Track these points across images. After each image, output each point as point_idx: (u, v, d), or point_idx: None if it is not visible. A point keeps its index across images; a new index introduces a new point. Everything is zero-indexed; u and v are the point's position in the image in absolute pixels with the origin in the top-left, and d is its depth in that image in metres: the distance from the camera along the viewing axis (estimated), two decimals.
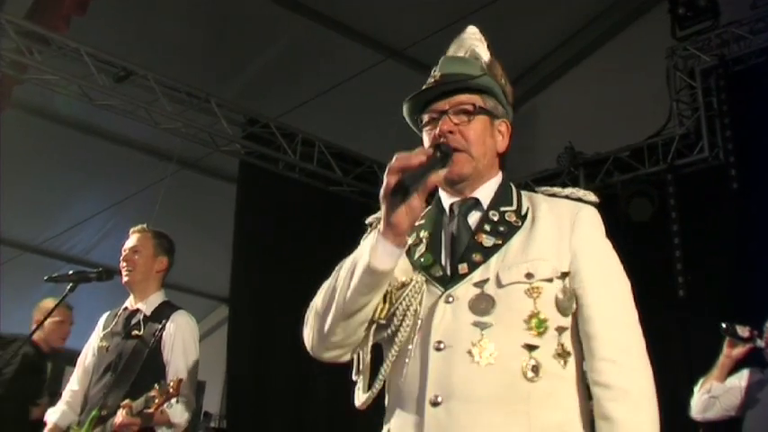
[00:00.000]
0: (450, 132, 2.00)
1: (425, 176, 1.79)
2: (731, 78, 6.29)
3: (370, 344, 1.98)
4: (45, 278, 3.96)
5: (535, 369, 1.81)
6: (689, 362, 5.78)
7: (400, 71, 7.01)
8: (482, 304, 1.87)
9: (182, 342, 3.98)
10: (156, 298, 4.10)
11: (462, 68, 2.07)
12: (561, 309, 1.89)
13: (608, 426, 1.82)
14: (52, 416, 4.04)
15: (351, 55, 7.09)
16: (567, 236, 1.95)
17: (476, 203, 2.04)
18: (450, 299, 1.89)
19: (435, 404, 1.81)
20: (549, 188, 2.12)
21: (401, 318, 1.91)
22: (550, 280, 1.89)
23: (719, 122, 6.29)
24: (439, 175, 1.84)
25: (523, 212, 2.00)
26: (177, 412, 3.79)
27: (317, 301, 1.99)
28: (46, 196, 7.64)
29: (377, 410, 2.01)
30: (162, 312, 4.05)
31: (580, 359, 1.91)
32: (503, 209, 2.01)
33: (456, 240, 1.99)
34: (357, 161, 7.50)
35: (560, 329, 1.88)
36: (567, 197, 2.06)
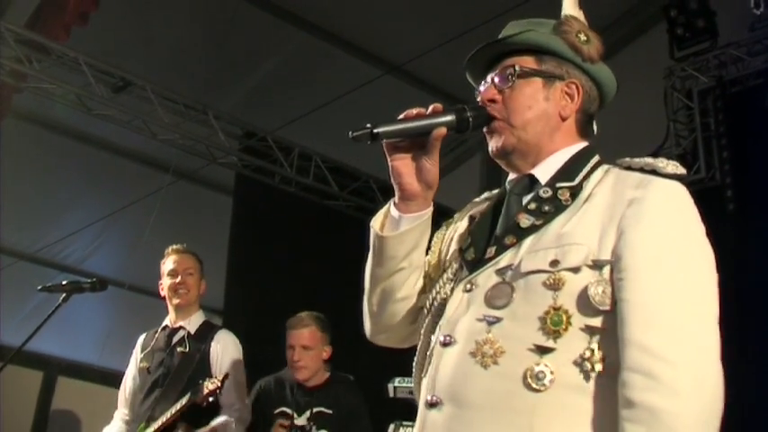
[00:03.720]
0: (492, 101, 1.77)
1: (428, 128, 1.68)
2: (728, 99, 6.30)
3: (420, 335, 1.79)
4: (39, 288, 3.96)
5: (541, 376, 1.50)
6: None
7: (399, 86, 7.02)
8: (499, 295, 1.59)
9: (230, 359, 4.08)
10: (199, 317, 4.21)
11: (516, 30, 1.82)
12: (591, 305, 1.53)
13: None
14: None
15: (349, 69, 7.09)
16: (619, 214, 1.58)
17: (532, 181, 1.76)
18: (471, 286, 1.65)
19: (432, 405, 1.59)
20: (628, 159, 1.79)
21: (430, 307, 1.74)
22: (577, 270, 1.54)
23: (716, 143, 6.29)
24: (441, 131, 1.68)
25: (580, 189, 1.68)
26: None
27: None
28: (42, 205, 7.62)
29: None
30: (206, 330, 4.15)
31: (616, 371, 1.50)
32: (559, 185, 1.70)
33: (503, 222, 1.73)
34: (354, 176, 7.50)
35: (590, 330, 1.53)
36: (641, 169, 1.72)
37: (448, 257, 1.81)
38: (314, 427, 4.04)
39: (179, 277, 4.15)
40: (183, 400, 3.78)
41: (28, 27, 5.99)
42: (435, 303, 1.73)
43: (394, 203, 1.76)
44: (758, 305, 5.40)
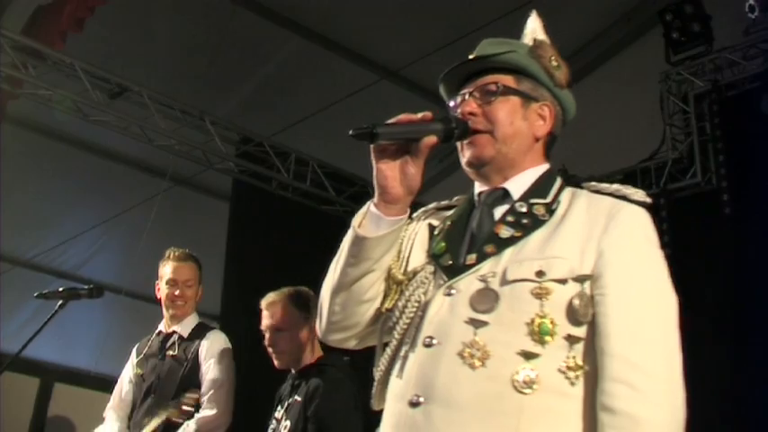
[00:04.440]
0: (472, 114, 1.85)
1: (420, 134, 1.73)
2: (724, 103, 6.31)
3: (382, 338, 1.86)
4: (35, 295, 3.95)
5: (529, 380, 1.59)
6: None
7: (395, 92, 7.03)
8: (484, 300, 1.67)
9: (216, 357, 4.04)
10: (192, 320, 4.17)
11: (496, 48, 1.90)
12: (574, 316, 1.64)
13: None
14: None
15: (346, 75, 7.10)
16: (597, 235, 1.71)
17: (505, 195, 1.85)
18: (452, 291, 1.72)
19: (414, 405, 1.64)
20: (595, 183, 1.88)
21: (402, 309, 1.78)
22: (564, 281, 1.66)
23: (712, 147, 6.30)
24: (432, 138, 1.74)
25: (554, 206, 1.79)
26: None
27: (326, 279, 1.92)
28: (38, 211, 7.61)
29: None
30: (198, 333, 4.12)
31: (594, 378, 1.64)
32: (533, 201, 1.80)
33: (476, 231, 1.82)
34: (350, 181, 7.50)
35: (572, 339, 1.65)
36: (611, 194, 1.81)
37: (416, 263, 1.86)
38: (284, 418, 3.62)
39: (178, 290, 4.14)
40: (163, 416, 3.76)
41: (24, 33, 5.99)
42: (409, 305, 1.77)
43: (374, 204, 1.81)
44: (755, 309, 5.41)
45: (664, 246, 5.81)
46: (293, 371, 3.77)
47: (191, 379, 3.99)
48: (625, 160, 6.77)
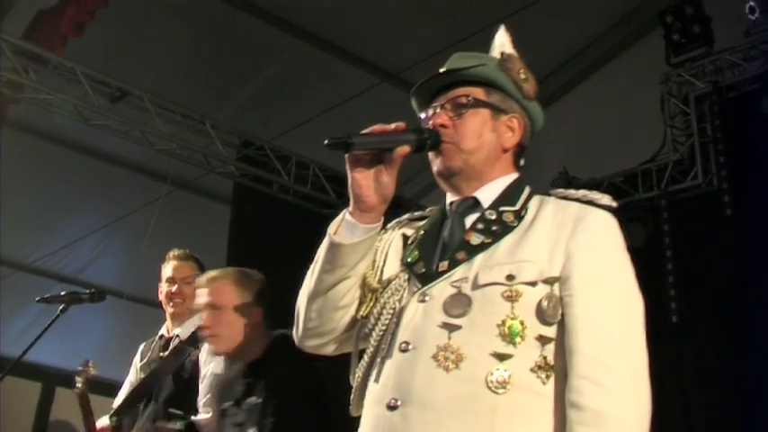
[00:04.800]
0: (443, 126, 1.91)
1: (394, 144, 1.78)
2: (725, 105, 6.32)
3: (358, 344, 1.92)
4: (37, 299, 3.95)
5: (503, 381, 1.65)
6: (682, 390, 5.76)
7: (396, 95, 7.02)
8: (457, 305, 1.73)
9: (213, 364, 4.00)
10: (193, 323, 4.12)
11: (467, 62, 1.96)
12: (544, 317, 1.71)
13: None
14: None
15: (346, 78, 7.11)
16: (565, 239, 1.77)
17: (475, 204, 1.91)
18: (426, 297, 1.78)
19: (392, 408, 1.69)
20: (562, 190, 1.95)
21: (377, 316, 1.83)
22: (534, 284, 1.72)
23: (713, 149, 6.31)
24: (405, 148, 1.80)
25: (523, 213, 1.85)
26: None
27: (303, 286, 1.96)
28: (39, 215, 7.62)
29: None
30: (198, 336, 4.08)
31: (564, 376, 1.70)
32: (502, 209, 1.86)
33: (447, 239, 1.88)
34: None
35: (543, 340, 1.71)
36: (578, 200, 1.87)
37: (391, 272, 1.91)
38: (246, 425, 3.19)
39: (175, 286, 4.12)
40: None
41: (25, 38, 5.99)
42: (384, 312, 1.82)
43: (349, 212, 1.86)
44: (756, 309, 5.41)
45: (665, 247, 5.80)
46: (240, 364, 3.35)
47: (190, 384, 3.97)
48: (626, 162, 6.78)
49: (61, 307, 3.80)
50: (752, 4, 5.99)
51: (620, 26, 7.40)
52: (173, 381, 3.99)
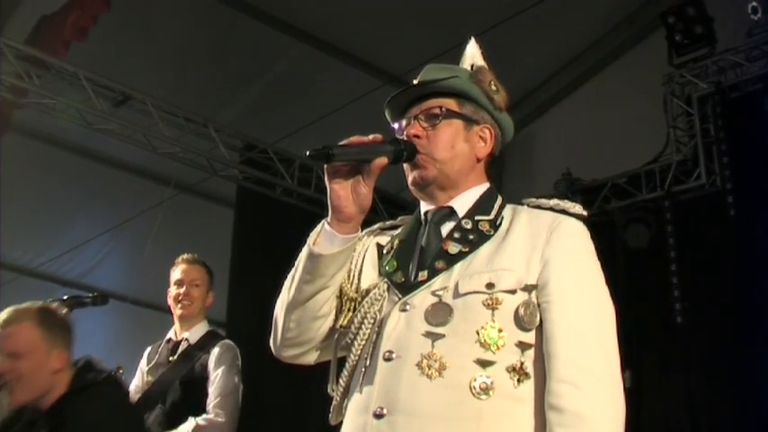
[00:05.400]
0: (417, 137, 1.95)
1: (372, 156, 1.81)
2: (728, 105, 6.31)
3: (336, 353, 1.94)
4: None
5: (485, 387, 1.69)
6: (689, 389, 5.76)
7: None
8: (438, 314, 1.77)
9: (226, 366, 4.02)
10: (202, 328, 4.16)
11: (439, 74, 2.01)
12: (521, 323, 1.75)
13: None
14: None
15: (349, 80, 7.11)
16: (540, 247, 1.83)
17: (451, 213, 1.96)
18: (407, 307, 1.81)
19: (379, 416, 1.72)
20: (534, 200, 2.01)
21: (358, 325, 1.86)
22: (513, 292, 1.77)
23: (716, 149, 6.30)
24: (383, 160, 1.84)
25: (498, 222, 1.91)
26: None
27: (280, 297, 1.97)
28: (43, 220, 7.62)
29: None
30: (207, 341, 4.10)
31: (544, 381, 1.74)
32: (478, 218, 1.92)
33: (425, 248, 1.92)
34: None
35: (523, 346, 1.75)
36: (551, 209, 1.94)
37: (368, 281, 1.93)
38: None
39: (184, 288, 4.15)
40: None
41: (27, 43, 6.01)
42: (365, 322, 1.85)
43: (327, 223, 1.89)
44: (759, 311, 5.40)
45: (669, 248, 5.79)
46: (34, 408, 2.88)
47: (201, 388, 3.98)
48: (629, 163, 6.77)
49: (64, 311, 3.81)
50: (754, 4, 5.99)
51: (623, 27, 7.39)
52: (180, 385, 4.00)
